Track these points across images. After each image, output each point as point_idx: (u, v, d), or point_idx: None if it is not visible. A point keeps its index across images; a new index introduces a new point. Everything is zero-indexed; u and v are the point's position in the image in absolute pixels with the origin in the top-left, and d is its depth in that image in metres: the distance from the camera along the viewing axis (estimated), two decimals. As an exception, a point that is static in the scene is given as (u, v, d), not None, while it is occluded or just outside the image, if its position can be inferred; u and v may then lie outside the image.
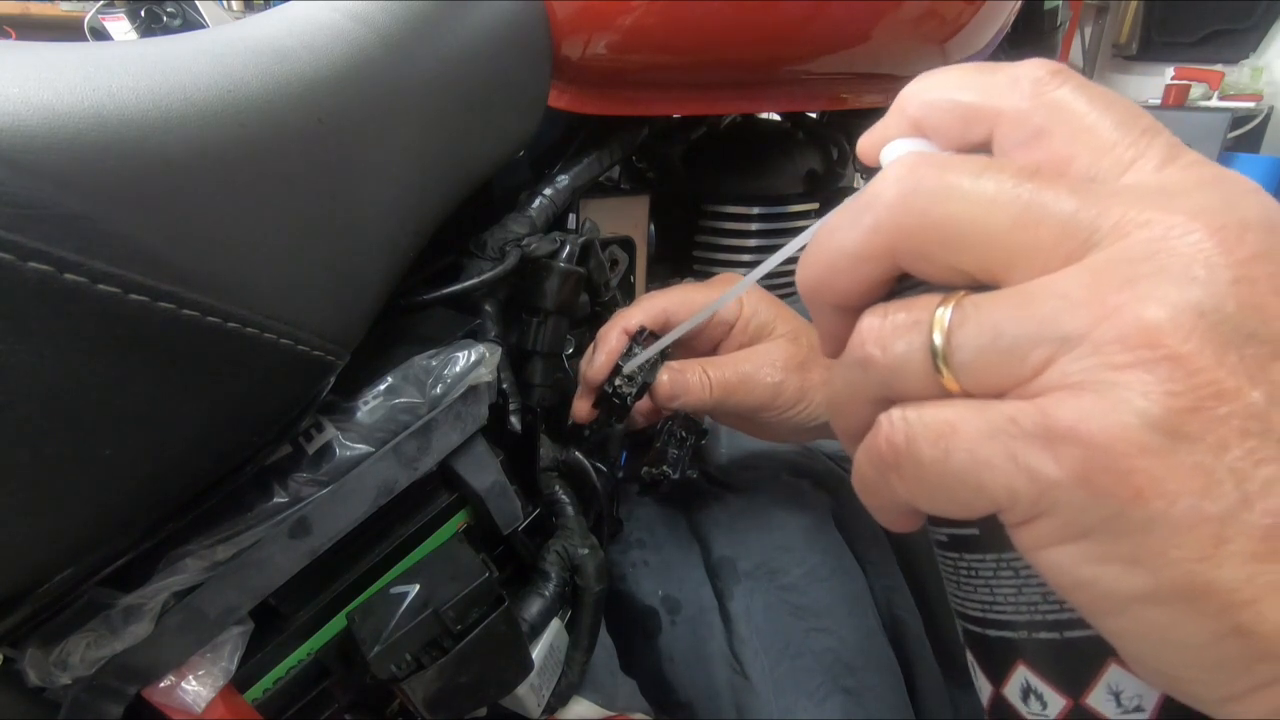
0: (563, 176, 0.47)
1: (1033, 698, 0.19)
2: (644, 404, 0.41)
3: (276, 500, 0.31)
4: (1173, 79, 2.83)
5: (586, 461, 0.44)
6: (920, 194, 0.16)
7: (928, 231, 0.16)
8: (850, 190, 0.69)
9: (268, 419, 0.28)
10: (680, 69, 0.47)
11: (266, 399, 0.27)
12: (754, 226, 0.63)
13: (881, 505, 0.19)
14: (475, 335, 0.40)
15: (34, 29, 2.23)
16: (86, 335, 0.20)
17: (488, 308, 0.42)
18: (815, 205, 0.64)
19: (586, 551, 0.41)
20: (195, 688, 0.30)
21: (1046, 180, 0.15)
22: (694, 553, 0.47)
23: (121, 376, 0.21)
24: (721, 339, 0.43)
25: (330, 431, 0.32)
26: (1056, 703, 0.18)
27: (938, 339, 0.16)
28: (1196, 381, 0.13)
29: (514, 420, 0.42)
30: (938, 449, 0.16)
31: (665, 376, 0.40)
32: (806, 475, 0.50)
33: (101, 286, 0.19)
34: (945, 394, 0.16)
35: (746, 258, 0.63)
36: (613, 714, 0.42)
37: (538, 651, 0.38)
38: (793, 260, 0.21)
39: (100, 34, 1.36)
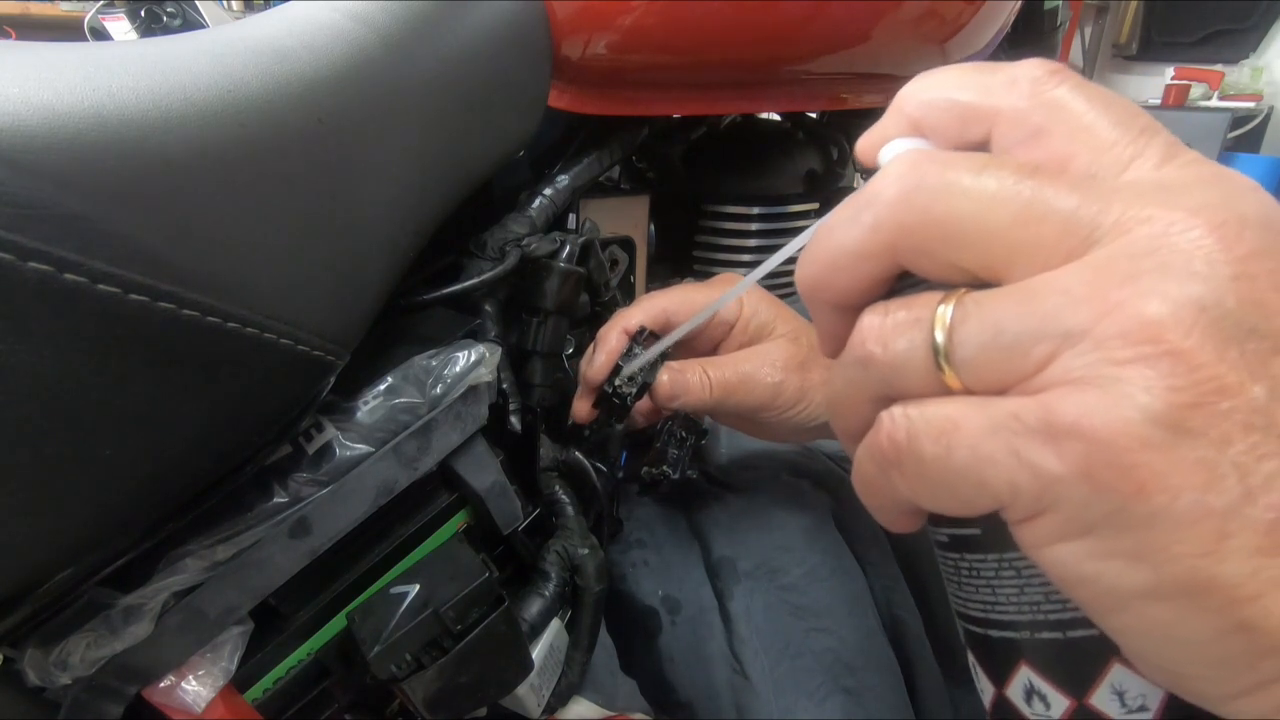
0: (563, 176, 0.47)
1: (1036, 698, 0.19)
2: (644, 404, 0.41)
3: (276, 500, 0.31)
4: (1173, 79, 2.83)
5: (586, 461, 0.44)
6: (922, 191, 0.16)
7: (929, 228, 0.16)
8: (850, 190, 0.69)
9: (268, 419, 0.28)
10: (680, 69, 0.47)
11: (266, 399, 0.27)
12: (754, 226, 0.63)
13: (882, 504, 0.19)
14: (475, 335, 0.40)
15: (34, 29, 2.23)
16: (86, 335, 0.20)
17: (488, 308, 0.42)
18: (815, 205, 0.64)
19: (586, 551, 0.41)
20: (195, 688, 0.30)
21: (1048, 177, 0.15)
22: (694, 553, 0.47)
23: (121, 376, 0.21)
24: (721, 339, 0.43)
25: (330, 431, 0.32)
26: (1060, 703, 0.18)
27: (939, 336, 0.16)
28: (1198, 377, 0.13)
29: (514, 420, 0.42)
30: (940, 445, 0.16)
31: (665, 376, 0.40)
32: (806, 475, 0.50)
33: (101, 286, 0.19)
34: (947, 392, 0.16)
35: (746, 258, 0.63)
36: (613, 714, 0.42)
37: (538, 651, 0.38)
38: (793, 260, 0.21)
39: (100, 34, 1.36)
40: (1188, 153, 0.16)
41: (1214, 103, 2.77)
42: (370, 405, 0.33)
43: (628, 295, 0.55)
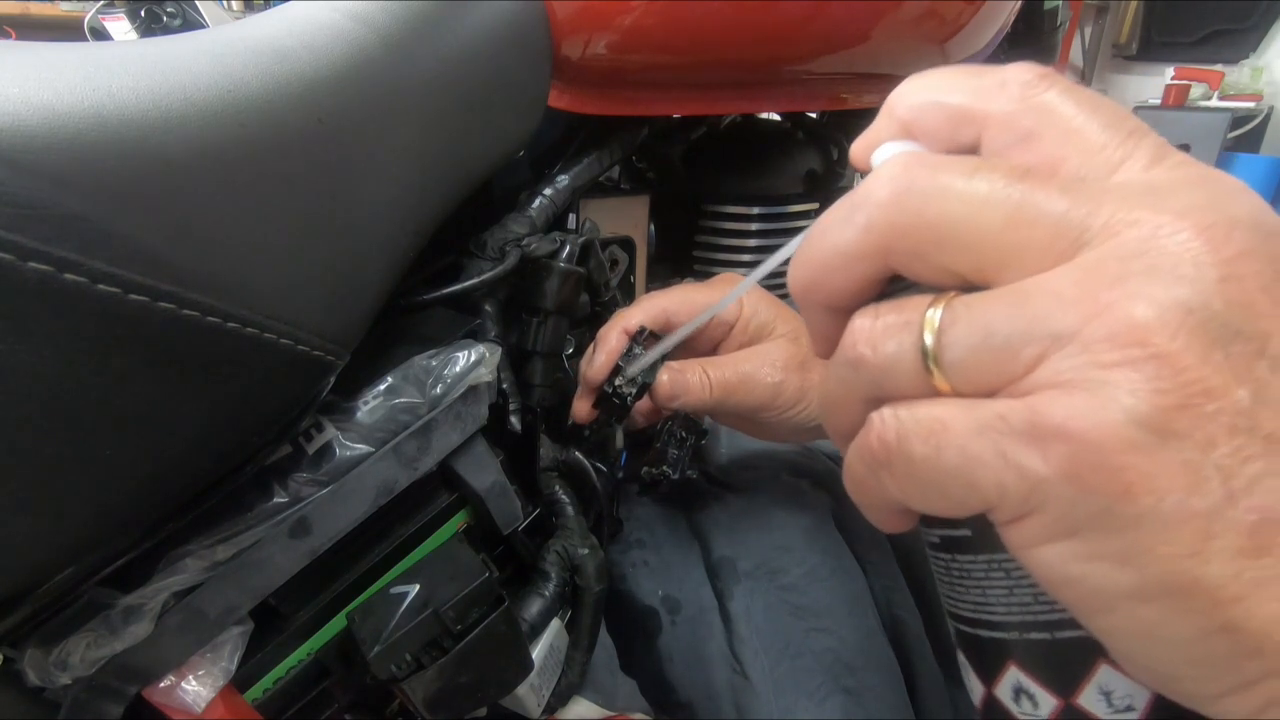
0: (563, 176, 0.47)
1: (1024, 698, 0.19)
2: (644, 404, 0.41)
3: (276, 500, 0.31)
4: (1173, 79, 2.83)
5: (586, 461, 0.44)
6: (913, 193, 0.16)
7: (921, 231, 0.16)
8: (850, 190, 0.69)
9: (268, 419, 0.28)
10: (680, 69, 0.47)
11: (266, 399, 0.27)
12: (754, 226, 0.63)
13: (873, 504, 0.19)
14: (475, 335, 0.40)
15: (34, 29, 2.23)
16: (86, 335, 0.20)
17: (488, 308, 0.42)
18: (815, 205, 0.64)
19: (586, 551, 0.41)
20: (195, 688, 0.30)
21: (1038, 181, 0.16)
22: (694, 553, 0.47)
23: (121, 376, 0.21)
24: (721, 339, 0.43)
25: (330, 431, 0.32)
26: (1048, 703, 0.18)
27: (928, 339, 0.16)
28: (1184, 379, 0.13)
29: (514, 420, 0.42)
30: (929, 446, 0.16)
31: (665, 376, 0.40)
32: (806, 475, 0.50)
33: (101, 286, 0.19)
34: (936, 394, 0.16)
35: (746, 258, 0.63)
36: (613, 714, 0.42)
37: (538, 651, 0.38)
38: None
39: (100, 34, 1.36)
40: (1176, 154, 0.16)
41: (1214, 103, 2.77)
42: (370, 405, 0.33)
43: (628, 295, 0.55)
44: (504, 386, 0.41)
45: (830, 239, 0.18)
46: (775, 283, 0.59)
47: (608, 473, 0.46)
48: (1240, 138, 2.63)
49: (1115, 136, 0.16)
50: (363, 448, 0.32)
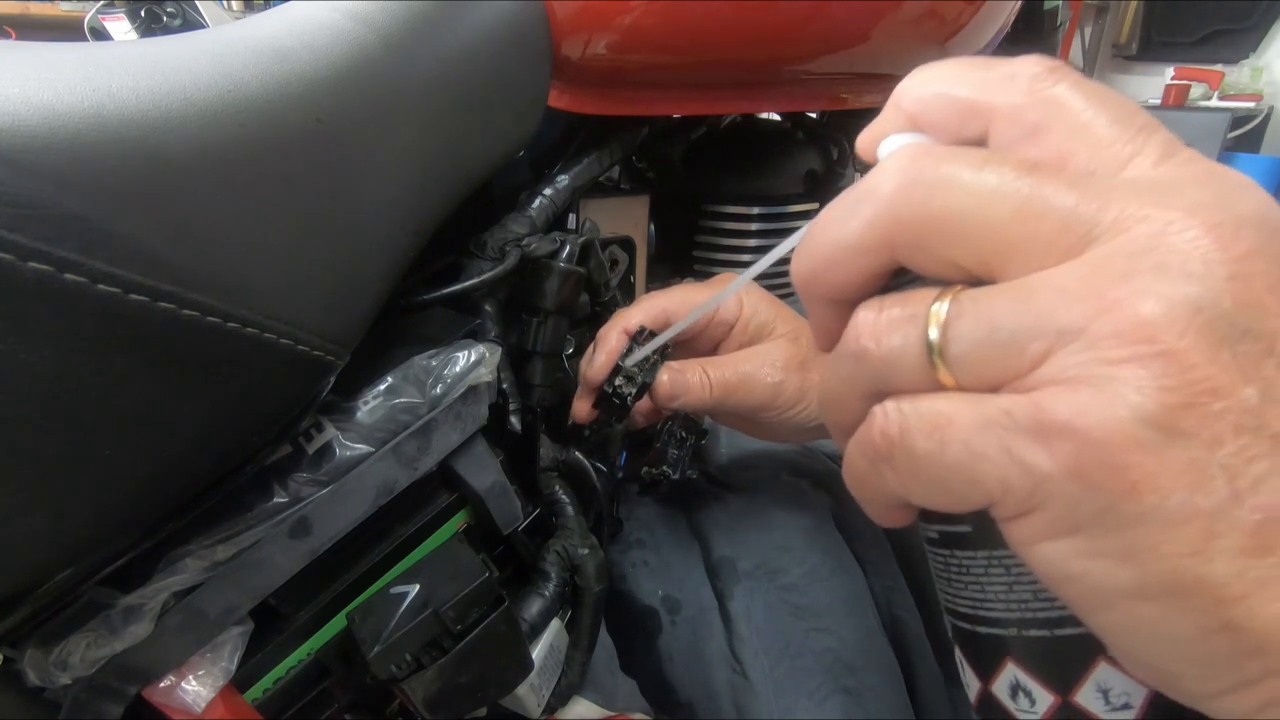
0: (563, 176, 0.47)
1: (1021, 695, 0.19)
2: (644, 404, 0.41)
3: (276, 500, 0.31)
4: (1173, 79, 2.83)
5: (586, 461, 0.44)
6: (920, 185, 0.16)
7: (927, 224, 0.16)
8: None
9: (268, 419, 0.28)
10: (680, 69, 0.47)
11: (266, 399, 0.27)
12: (754, 226, 0.63)
13: (872, 498, 0.19)
14: (475, 335, 0.40)
15: (34, 29, 2.23)
16: (86, 335, 0.20)
17: (488, 308, 0.42)
18: (815, 205, 0.64)
19: (586, 551, 0.41)
20: (195, 688, 0.30)
21: (1047, 174, 0.15)
22: (694, 553, 0.47)
23: (121, 376, 0.21)
24: (721, 339, 0.43)
25: (330, 431, 0.32)
26: (1045, 700, 0.18)
27: (933, 333, 0.16)
28: (1191, 378, 0.13)
29: (514, 420, 0.42)
30: (932, 440, 0.16)
31: (665, 376, 0.40)
32: (806, 475, 0.50)
33: (101, 286, 0.19)
34: (940, 388, 0.16)
35: (746, 258, 0.63)
36: (613, 714, 0.42)
37: (538, 651, 0.38)
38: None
39: (100, 34, 1.36)
40: (1186, 151, 0.16)
41: (1214, 103, 2.77)
42: (370, 405, 0.33)
43: (628, 295, 0.55)
44: (504, 386, 0.41)
45: (835, 231, 0.18)
46: (777, 282, 0.59)
47: (608, 473, 0.46)
48: (1240, 138, 2.63)
49: (1125, 132, 0.16)
50: (363, 448, 0.32)
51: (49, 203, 0.18)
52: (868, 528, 0.48)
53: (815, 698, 0.40)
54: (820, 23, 0.48)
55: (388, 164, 0.31)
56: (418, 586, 0.33)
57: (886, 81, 0.55)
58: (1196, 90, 2.80)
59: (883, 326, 0.17)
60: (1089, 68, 3.03)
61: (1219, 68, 2.78)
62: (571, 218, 0.52)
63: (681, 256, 0.66)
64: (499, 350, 0.37)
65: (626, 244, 0.54)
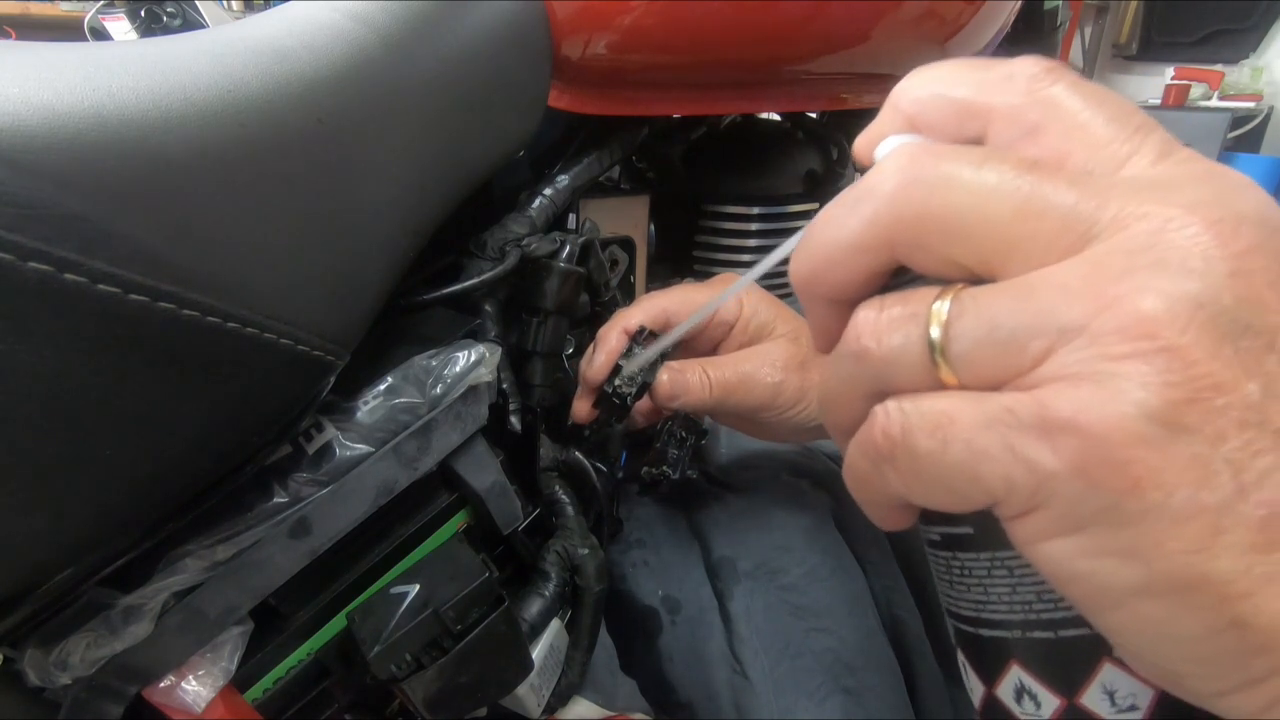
0: (563, 176, 0.47)
1: (1026, 698, 0.19)
2: (644, 404, 0.41)
3: (276, 500, 0.31)
4: (1173, 79, 2.83)
5: (586, 461, 0.44)
6: (920, 184, 0.16)
7: (927, 222, 0.16)
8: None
9: (268, 419, 0.28)
10: (680, 69, 0.47)
11: (266, 399, 0.27)
12: (754, 226, 0.63)
13: (873, 500, 0.19)
14: (475, 335, 0.40)
15: (34, 29, 2.23)
16: (86, 335, 0.20)
17: (488, 308, 0.42)
18: (815, 205, 0.64)
19: (586, 551, 0.41)
20: (195, 688, 0.30)
21: (1046, 173, 0.15)
22: (694, 553, 0.47)
23: (121, 376, 0.21)
24: (721, 339, 0.43)
25: (330, 431, 0.32)
26: (1050, 702, 0.18)
27: (935, 332, 0.16)
28: (1194, 373, 0.13)
29: (514, 420, 0.42)
30: (934, 440, 0.16)
31: (665, 376, 0.40)
32: (806, 475, 0.50)
33: (101, 286, 0.19)
34: (942, 387, 0.16)
35: (746, 258, 0.63)
36: (613, 714, 0.42)
37: (538, 651, 0.38)
38: (793, 259, 0.21)
39: (100, 34, 1.36)
40: (1183, 150, 0.16)
41: (1214, 103, 2.77)
42: (370, 405, 0.33)
43: (628, 295, 0.55)
44: (504, 386, 0.41)
45: (834, 231, 0.18)
46: (777, 283, 0.59)
47: (608, 473, 0.46)
48: (1240, 138, 2.63)
49: (1122, 131, 0.16)
50: (363, 448, 0.32)
51: (49, 203, 0.18)
52: (868, 528, 0.48)
53: (815, 698, 0.40)
54: (820, 23, 0.48)
55: (388, 164, 0.31)
56: (418, 586, 0.33)
57: (886, 81, 0.55)
58: (1196, 90, 2.80)
59: (884, 325, 0.17)
60: (1089, 68, 3.03)
61: (1219, 68, 2.78)
62: (571, 218, 0.52)
63: (681, 256, 0.66)
64: (499, 350, 0.37)
65: (626, 244, 0.54)
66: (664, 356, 0.40)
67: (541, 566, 0.41)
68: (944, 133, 0.19)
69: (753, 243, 0.63)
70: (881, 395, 0.17)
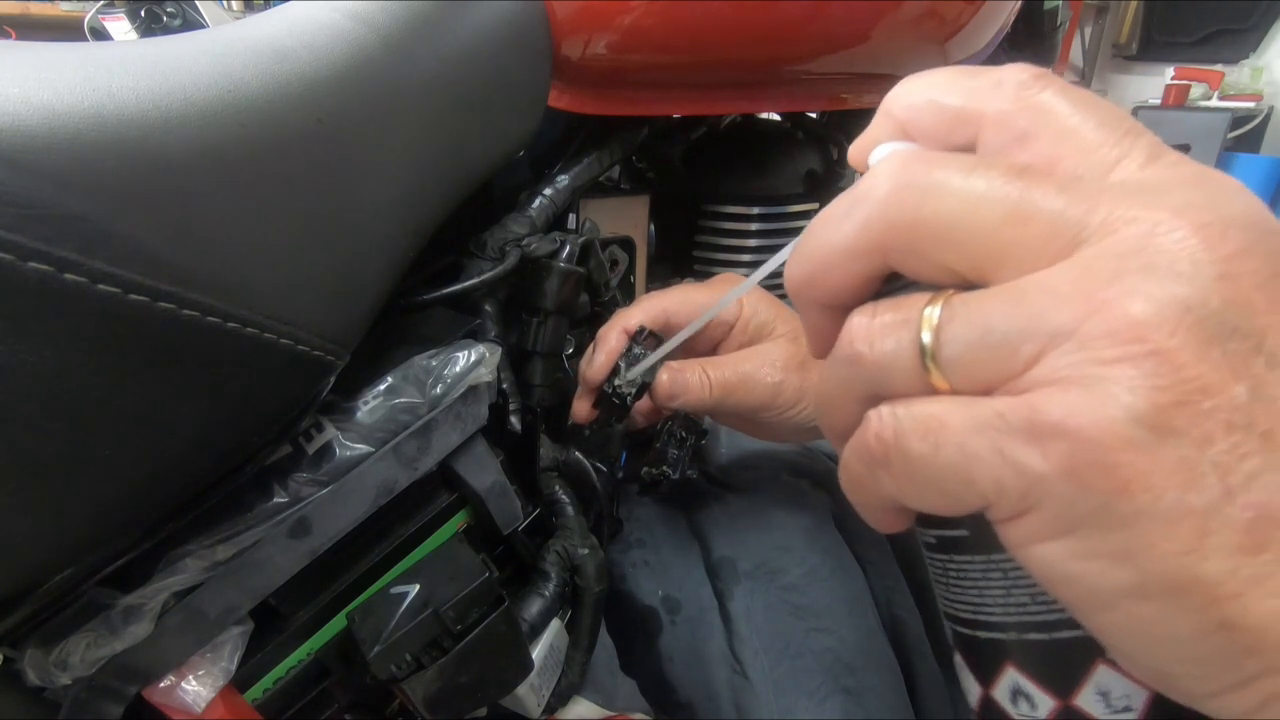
0: (563, 176, 0.47)
1: (1021, 699, 0.19)
2: (644, 404, 0.41)
3: (276, 500, 0.31)
4: (1173, 79, 2.83)
5: (586, 461, 0.44)
6: (912, 190, 0.16)
7: (919, 228, 0.16)
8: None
9: (268, 419, 0.28)
10: (680, 69, 0.47)
11: (266, 399, 0.27)
12: (754, 226, 0.63)
13: (869, 503, 0.19)
14: (475, 335, 0.40)
15: (34, 29, 2.23)
16: (86, 335, 0.20)
17: (488, 308, 0.42)
18: (815, 205, 0.64)
19: (586, 551, 0.41)
20: (195, 688, 0.30)
21: (1036, 178, 0.16)
22: (694, 553, 0.47)
23: (121, 376, 0.21)
24: (721, 339, 0.43)
25: (330, 431, 0.32)
26: (1045, 704, 0.18)
27: (926, 337, 0.16)
28: (1182, 376, 0.13)
29: (514, 420, 0.42)
30: (926, 443, 0.16)
31: (665, 376, 0.40)
32: (806, 475, 0.50)
33: (101, 286, 0.19)
34: (933, 392, 0.16)
35: (746, 258, 0.63)
36: (613, 714, 0.42)
37: (538, 651, 0.38)
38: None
39: (100, 34, 1.36)
40: (1172, 154, 0.16)
41: (1214, 103, 2.77)
42: (370, 405, 0.33)
43: (628, 295, 0.55)
44: (504, 386, 0.41)
45: (828, 236, 0.18)
46: (775, 283, 0.59)
47: (608, 473, 0.46)
48: (1240, 138, 2.63)
49: (1111, 136, 0.16)
50: (363, 448, 0.32)
51: (49, 203, 0.18)
52: (868, 528, 0.48)
53: (815, 698, 0.40)
54: (820, 23, 0.48)
55: (388, 164, 0.31)
56: (418, 586, 0.33)
57: (886, 81, 0.55)
58: (1196, 90, 2.80)
59: (876, 331, 0.17)
60: (1089, 68, 3.03)
61: (1219, 68, 2.78)
62: (571, 218, 0.52)
63: (681, 256, 0.66)
64: (499, 350, 0.37)
65: (626, 244, 0.54)
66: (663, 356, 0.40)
67: (541, 566, 0.41)
68: (935, 139, 0.19)
69: (753, 243, 0.63)
70: (875, 399, 0.17)
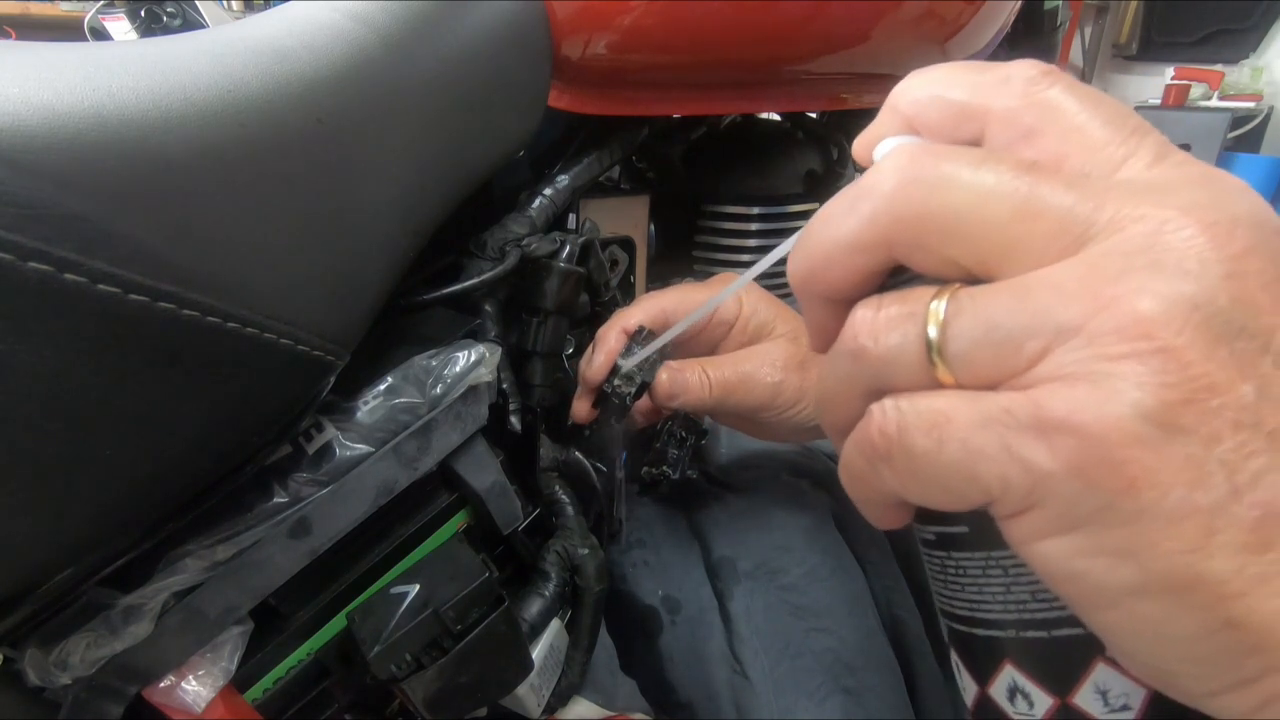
0: (563, 176, 0.47)
1: (1019, 697, 0.19)
2: (644, 404, 0.41)
3: (276, 500, 0.31)
4: (1173, 79, 2.83)
5: (586, 461, 0.44)
6: (919, 184, 0.16)
7: (925, 222, 0.16)
8: (850, 190, 0.69)
9: (268, 419, 0.28)
10: (680, 69, 0.47)
11: (266, 399, 0.27)
12: (754, 226, 0.63)
13: (869, 498, 0.19)
14: (475, 335, 0.40)
15: (34, 29, 2.23)
16: (86, 335, 0.20)
17: (488, 308, 0.42)
18: (815, 205, 0.64)
19: (586, 551, 0.41)
20: (195, 688, 0.30)
21: (1044, 174, 0.15)
22: (694, 553, 0.47)
23: (121, 376, 0.21)
24: (721, 339, 0.43)
25: (330, 431, 0.32)
26: (1043, 702, 0.18)
27: (932, 331, 0.16)
28: (1189, 374, 0.13)
29: (514, 420, 0.42)
30: (931, 438, 0.16)
31: (664, 376, 0.40)
32: (806, 475, 0.50)
33: (101, 286, 0.19)
34: (938, 386, 0.16)
35: (746, 258, 0.63)
36: (613, 714, 0.42)
37: (538, 651, 0.38)
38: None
39: (100, 34, 1.36)
40: (1178, 153, 0.16)
41: (1214, 103, 2.77)
42: (370, 405, 0.33)
43: (628, 295, 0.55)
44: (504, 386, 0.41)
45: (832, 229, 0.18)
46: (776, 282, 0.59)
47: (608, 473, 0.46)
48: (1240, 138, 2.63)
49: (1118, 134, 0.16)
50: (363, 448, 0.32)
51: (49, 203, 0.18)
52: (867, 528, 0.48)
53: (815, 698, 0.40)
54: (820, 23, 0.48)
55: (388, 164, 0.31)
56: (418, 586, 0.33)
57: (886, 81, 0.55)
58: (1196, 90, 2.80)
59: (881, 324, 0.17)
60: (1089, 68, 3.03)
61: (1219, 68, 2.78)
62: (571, 218, 0.52)
63: (681, 256, 0.66)
64: (499, 350, 0.37)
65: (626, 244, 0.54)
66: (663, 356, 0.40)
67: (541, 566, 0.41)
68: (941, 134, 0.19)
69: (753, 243, 0.63)
70: (878, 394, 0.17)
